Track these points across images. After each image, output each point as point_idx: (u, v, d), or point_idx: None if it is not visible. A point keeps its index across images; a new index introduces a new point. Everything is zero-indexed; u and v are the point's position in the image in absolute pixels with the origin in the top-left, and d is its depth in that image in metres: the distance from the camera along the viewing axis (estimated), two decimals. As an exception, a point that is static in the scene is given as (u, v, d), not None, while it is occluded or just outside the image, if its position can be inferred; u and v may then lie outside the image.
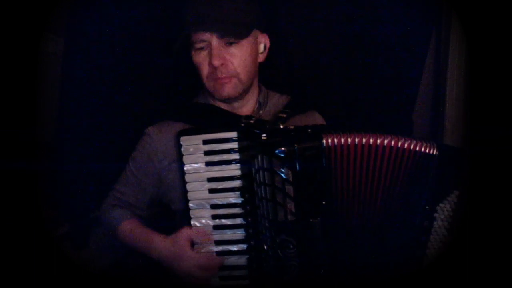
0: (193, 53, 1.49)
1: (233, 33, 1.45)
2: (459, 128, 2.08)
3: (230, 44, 1.46)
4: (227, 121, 1.51)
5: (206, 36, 1.45)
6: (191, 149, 1.39)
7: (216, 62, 1.45)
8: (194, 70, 1.54)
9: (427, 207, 1.34)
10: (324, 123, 1.67)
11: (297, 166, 1.27)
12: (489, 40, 1.70)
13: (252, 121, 1.46)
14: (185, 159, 1.40)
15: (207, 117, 1.55)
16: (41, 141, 1.75)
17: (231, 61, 1.47)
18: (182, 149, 1.39)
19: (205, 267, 1.39)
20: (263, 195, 1.32)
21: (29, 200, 1.50)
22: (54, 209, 1.90)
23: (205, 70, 1.48)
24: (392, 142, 1.31)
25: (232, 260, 1.40)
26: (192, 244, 1.40)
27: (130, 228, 1.55)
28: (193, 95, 1.65)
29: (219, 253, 1.40)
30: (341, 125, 1.40)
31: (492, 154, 1.62)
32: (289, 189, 1.28)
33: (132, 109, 1.99)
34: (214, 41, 1.45)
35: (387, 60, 2.06)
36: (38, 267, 1.46)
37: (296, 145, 1.27)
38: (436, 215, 1.34)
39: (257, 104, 1.59)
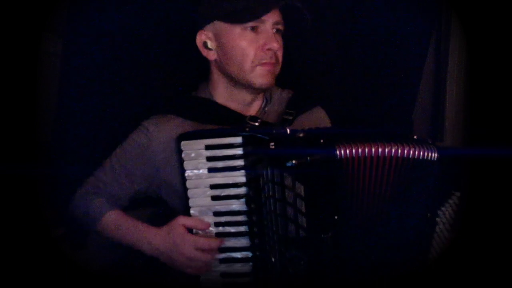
0: (236, 34, 1.39)
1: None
2: (459, 128, 2.08)
3: (278, 31, 1.42)
4: (231, 122, 1.42)
5: (272, 16, 1.38)
6: (193, 155, 1.31)
7: (276, 45, 1.38)
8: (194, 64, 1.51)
9: (428, 214, 1.27)
10: (329, 120, 1.62)
11: (310, 180, 1.19)
12: (489, 40, 1.70)
13: (257, 124, 1.40)
14: (186, 165, 1.32)
15: (210, 115, 1.45)
16: (40, 142, 1.75)
17: (280, 48, 1.43)
18: (183, 155, 1.31)
19: (206, 248, 1.31)
20: (272, 209, 1.24)
21: (29, 200, 1.49)
22: (54, 210, 1.90)
23: (252, 52, 1.38)
24: (399, 152, 1.23)
25: (236, 267, 1.33)
26: (189, 230, 1.33)
27: (116, 219, 1.43)
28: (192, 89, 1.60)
29: (222, 260, 1.33)
30: (347, 129, 1.33)
31: (491, 154, 1.62)
32: (301, 204, 1.20)
33: (132, 109, 1.98)
34: (270, 24, 1.38)
35: (387, 60, 2.05)
36: (38, 267, 1.45)
37: (308, 157, 1.19)
38: (438, 219, 1.28)
39: (264, 100, 1.52)
